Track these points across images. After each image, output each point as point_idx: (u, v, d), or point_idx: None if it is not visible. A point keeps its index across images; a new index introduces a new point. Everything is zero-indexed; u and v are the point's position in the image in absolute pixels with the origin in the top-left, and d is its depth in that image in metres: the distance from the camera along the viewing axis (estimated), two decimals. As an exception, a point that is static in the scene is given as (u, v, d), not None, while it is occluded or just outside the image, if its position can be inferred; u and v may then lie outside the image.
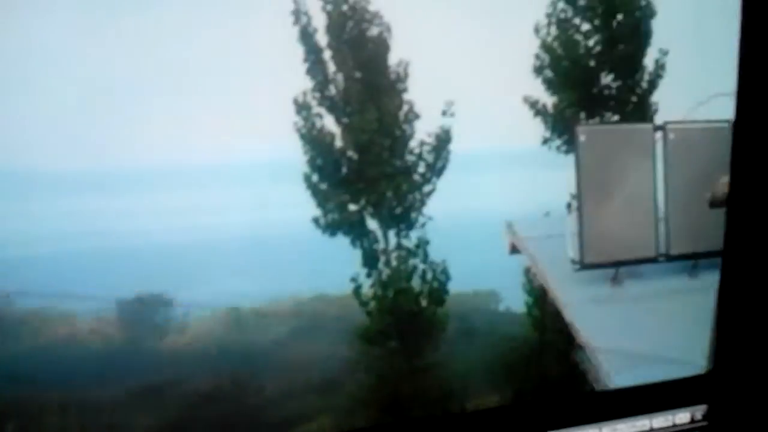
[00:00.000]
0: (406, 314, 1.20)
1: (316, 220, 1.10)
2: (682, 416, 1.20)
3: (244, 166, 1.04)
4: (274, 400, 1.13)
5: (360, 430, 1.15)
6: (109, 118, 0.96)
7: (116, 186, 0.99)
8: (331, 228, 1.12)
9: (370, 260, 1.16)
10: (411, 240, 1.17)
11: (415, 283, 1.20)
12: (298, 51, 1.04)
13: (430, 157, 1.15)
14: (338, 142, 1.10)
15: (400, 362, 1.20)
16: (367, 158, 1.11)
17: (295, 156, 1.08)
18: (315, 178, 1.09)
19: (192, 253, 1.05)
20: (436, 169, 1.16)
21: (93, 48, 0.94)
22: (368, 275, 1.17)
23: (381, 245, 1.16)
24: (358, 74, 1.08)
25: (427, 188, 1.16)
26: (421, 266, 1.19)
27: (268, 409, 1.13)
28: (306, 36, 1.03)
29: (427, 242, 1.18)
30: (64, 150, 0.96)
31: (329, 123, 1.08)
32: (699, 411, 1.20)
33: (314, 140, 1.07)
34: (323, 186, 1.10)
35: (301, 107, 1.05)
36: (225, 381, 1.10)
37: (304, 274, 1.11)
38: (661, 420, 1.18)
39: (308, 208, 1.10)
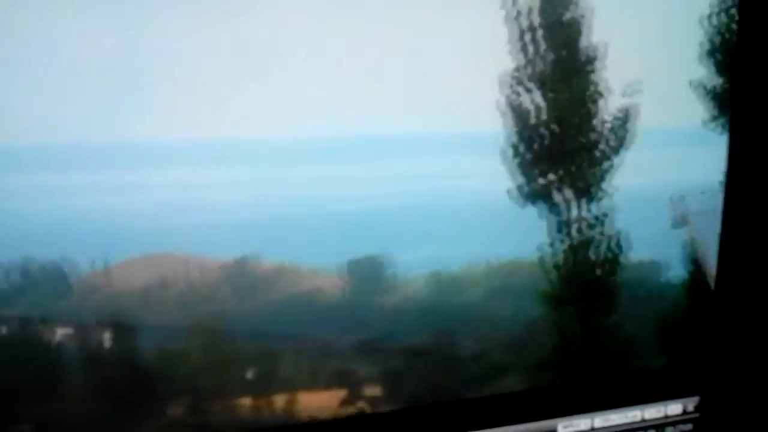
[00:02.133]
0: (582, 283, 1.29)
1: (508, 192, 1.20)
2: (674, 407, 1.19)
3: (448, 137, 1.14)
4: (470, 357, 1.22)
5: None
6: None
7: (345, 154, 1.10)
8: (523, 200, 1.21)
9: (555, 231, 1.25)
10: (592, 213, 1.27)
11: (592, 253, 1.29)
12: (501, 32, 1.14)
13: (610, 136, 1.24)
14: (534, 119, 1.20)
15: (576, 326, 1.29)
16: (558, 135, 1.21)
17: (493, 130, 1.18)
18: (510, 152, 1.19)
19: (403, 219, 1.15)
20: (614, 146, 1.25)
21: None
22: (550, 245, 1.26)
23: (565, 217, 1.26)
24: (553, 55, 1.19)
25: (606, 164, 1.25)
26: (598, 238, 1.28)
27: (464, 365, 1.22)
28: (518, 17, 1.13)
29: (605, 215, 1.27)
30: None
31: (527, 99, 1.18)
32: (691, 402, 1.20)
33: (516, 115, 1.17)
34: (518, 160, 1.20)
35: (504, 84, 1.16)
36: (429, 338, 1.20)
37: (497, 241, 1.21)
38: (653, 411, 1.17)
39: (502, 179, 1.20)
